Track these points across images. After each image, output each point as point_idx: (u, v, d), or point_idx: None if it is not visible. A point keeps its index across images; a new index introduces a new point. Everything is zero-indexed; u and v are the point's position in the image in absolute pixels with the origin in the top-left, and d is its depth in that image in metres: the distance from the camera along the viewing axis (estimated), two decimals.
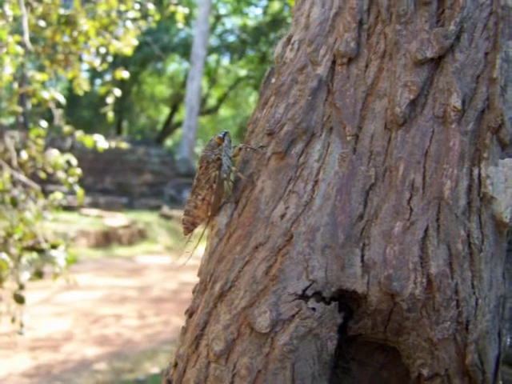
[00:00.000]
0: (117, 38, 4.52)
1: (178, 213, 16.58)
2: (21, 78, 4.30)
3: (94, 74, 18.77)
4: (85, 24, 4.06)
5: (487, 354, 0.86)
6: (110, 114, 4.83)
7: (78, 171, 3.90)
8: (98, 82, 19.69)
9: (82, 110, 21.44)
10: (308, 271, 0.84)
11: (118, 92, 4.73)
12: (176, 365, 1.02)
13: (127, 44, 4.61)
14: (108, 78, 4.78)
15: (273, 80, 1.10)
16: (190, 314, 0.94)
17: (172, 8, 4.92)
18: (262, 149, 0.98)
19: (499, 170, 0.90)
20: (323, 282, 0.84)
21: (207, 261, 0.97)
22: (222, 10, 25.49)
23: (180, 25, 5.13)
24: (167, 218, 16.18)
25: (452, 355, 0.84)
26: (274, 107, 1.01)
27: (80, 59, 4.25)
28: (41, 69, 4.70)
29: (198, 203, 1.01)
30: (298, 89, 0.99)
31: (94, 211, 14.39)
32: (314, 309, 0.83)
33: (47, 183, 7.06)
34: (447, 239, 0.86)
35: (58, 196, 3.86)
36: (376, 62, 0.97)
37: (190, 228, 1.03)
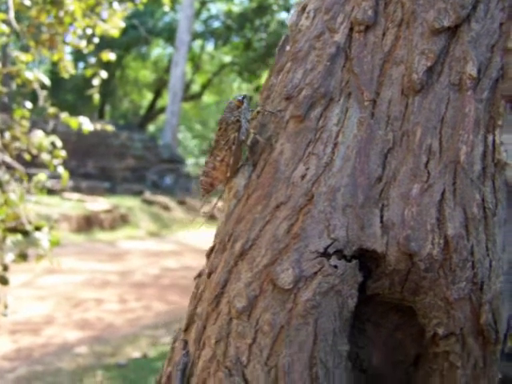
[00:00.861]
0: (103, 20, 4.48)
1: (161, 198, 16.58)
2: (4, 57, 4.25)
3: (78, 56, 18.57)
4: (71, 4, 4.02)
5: (500, 314, 0.88)
6: (96, 97, 4.79)
7: (63, 153, 3.87)
8: (81, 65, 19.48)
9: (65, 93, 21.25)
10: (329, 230, 0.86)
11: (104, 74, 4.69)
12: (187, 328, 1.04)
13: (114, 26, 4.56)
14: (93, 60, 4.73)
15: (287, 47, 1.11)
16: (209, 273, 0.96)
17: None
18: (280, 112, 0.99)
19: None
20: (344, 240, 0.86)
21: (225, 222, 0.98)
22: None
23: (167, 8, 5.11)
24: (149, 203, 16.16)
25: (467, 314, 0.87)
26: (291, 72, 1.02)
27: (65, 41, 4.21)
28: (24, 49, 4.64)
29: (216, 164, 1.02)
30: (316, 55, 1.01)
31: (76, 195, 14.30)
32: (335, 266, 0.85)
33: (31, 166, 6.99)
34: (463, 202, 0.88)
35: (42, 178, 3.83)
36: (393, 30, 0.99)
37: (208, 189, 1.04)
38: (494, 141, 0.92)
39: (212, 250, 1.03)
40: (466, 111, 0.92)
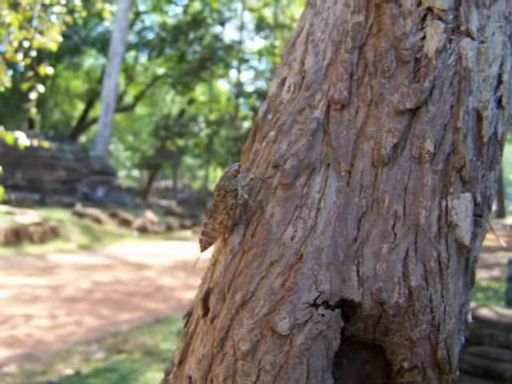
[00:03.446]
0: (41, 33, 4.49)
1: (92, 210, 16.36)
2: None
3: (7, 67, 18.08)
4: (7, 15, 4.03)
5: (453, 350, 1.08)
6: (33, 110, 4.79)
7: None
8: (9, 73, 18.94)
9: None
10: (317, 284, 1.04)
11: (41, 88, 4.71)
12: (180, 363, 1.19)
13: (52, 39, 4.59)
14: (30, 73, 4.74)
15: (269, 116, 1.28)
16: (212, 319, 1.10)
17: (99, 5, 4.96)
18: (269, 179, 1.16)
19: (461, 202, 1.12)
20: (329, 292, 1.04)
21: (223, 274, 1.13)
22: (142, 7, 25.28)
23: (107, 22, 5.18)
24: (80, 215, 15.91)
25: (427, 351, 1.06)
26: (277, 143, 1.19)
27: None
28: None
29: (215, 226, 1.18)
30: (298, 128, 1.18)
31: (4, 207, 13.92)
32: (323, 315, 1.03)
33: None
34: (423, 258, 1.07)
35: None
36: (364, 109, 1.17)
37: (206, 248, 1.20)
38: (446, 205, 1.12)
39: (207, 295, 1.18)
40: (425, 181, 1.11)
